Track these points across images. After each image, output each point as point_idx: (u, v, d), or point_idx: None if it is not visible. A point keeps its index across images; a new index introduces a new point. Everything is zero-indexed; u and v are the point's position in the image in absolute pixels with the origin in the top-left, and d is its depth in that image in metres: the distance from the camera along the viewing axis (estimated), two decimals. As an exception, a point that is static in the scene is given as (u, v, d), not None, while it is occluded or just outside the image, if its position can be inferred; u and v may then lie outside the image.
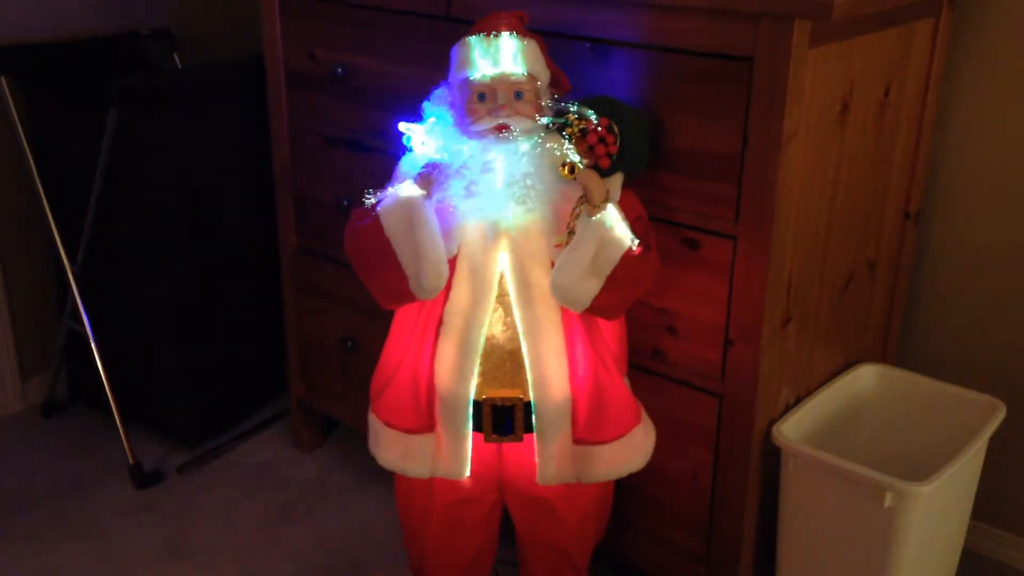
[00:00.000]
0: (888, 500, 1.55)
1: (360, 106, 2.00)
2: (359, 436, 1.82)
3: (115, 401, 2.32)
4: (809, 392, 1.79)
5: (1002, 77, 1.85)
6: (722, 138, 1.53)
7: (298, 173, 2.18)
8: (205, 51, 2.66)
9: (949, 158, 1.94)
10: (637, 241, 1.45)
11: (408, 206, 1.46)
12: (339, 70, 1.99)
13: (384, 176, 1.59)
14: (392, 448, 1.63)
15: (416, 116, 1.56)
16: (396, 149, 1.75)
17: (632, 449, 1.61)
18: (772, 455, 1.69)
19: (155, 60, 2.57)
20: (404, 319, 1.61)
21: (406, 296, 1.51)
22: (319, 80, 2.06)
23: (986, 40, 1.85)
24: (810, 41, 1.45)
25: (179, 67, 2.58)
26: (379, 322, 1.68)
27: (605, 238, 1.43)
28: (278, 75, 2.14)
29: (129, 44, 2.52)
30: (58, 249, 2.33)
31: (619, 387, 1.58)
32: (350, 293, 2.14)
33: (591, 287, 1.46)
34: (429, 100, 1.54)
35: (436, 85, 1.57)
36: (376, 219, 1.48)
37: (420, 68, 1.86)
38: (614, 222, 1.43)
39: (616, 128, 1.50)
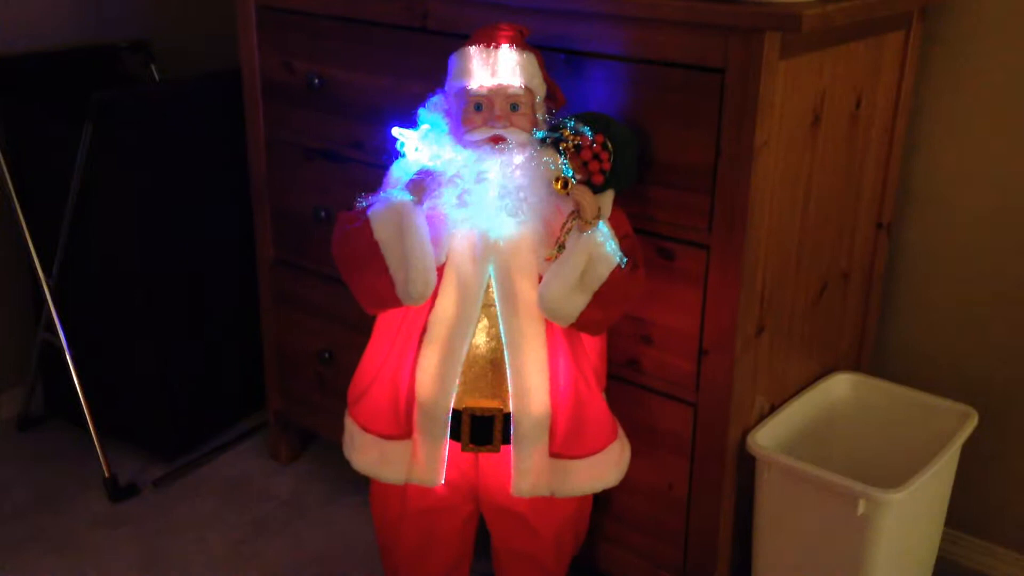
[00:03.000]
0: (862, 507, 1.56)
1: (337, 117, 2.00)
2: (336, 449, 1.82)
3: (91, 414, 2.31)
4: (784, 401, 1.80)
5: (972, 89, 1.88)
6: (695, 149, 1.54)
7: (275, 185, 2.18)
8: (183, 63, 2.66)
9: (920, 169, 1.96)
10: (626, 259, 1.46)
11: (399, 212, 1.46)
12: (316, 81, 2.00)
13: (361, 187, 1.59)
14: (368, 453, 1.63)
15: (392, 127, 1.56)
16: (373, 160, 1.76)
17: (608, 465, 1.62)
18: (747, 464, 1.70)
19: (133, 72, 2.56)
20: (387, 325, 1.61)
21: (391, 301, 1.51)
22: (296, 91, 2.06)
23: (956, 52, 1.87)
24: (781, 53, 1.47)
25: (156, 79, 2.58)
26: (356, 334, 1.68)
27: (595, 254, 1.44)
28: (255, 86, 2.14)
29: (106, 56, 2.52)
30: (33, 261, 2.32)
31: (599, 402, 1.59)
32: (327, 305, 2.14)
33: (578, 302, 1.46)
34: (424, 107, 1.54)
35: (414, 96, 1.58)
36: (366, 223, 1.48)
37: (396, 80, 1.87)
38: (605, 239, 1.44)
39: (610, 145, 1.51)
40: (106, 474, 2.28)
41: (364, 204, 1.51)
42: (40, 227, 2.32)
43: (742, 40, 1.45)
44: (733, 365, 1.60)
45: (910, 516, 1.65)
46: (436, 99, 1.55)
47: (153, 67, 2.58)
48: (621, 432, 1.67)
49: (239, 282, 2.42)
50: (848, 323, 1.95)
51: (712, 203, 1.55)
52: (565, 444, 1.58)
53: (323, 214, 2.06)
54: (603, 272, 1.45)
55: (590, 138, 1.50)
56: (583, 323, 1.50)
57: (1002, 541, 2.03)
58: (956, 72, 1.88)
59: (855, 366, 2.00)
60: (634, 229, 1.64)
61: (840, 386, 1.89)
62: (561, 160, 1.49)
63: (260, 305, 2.32)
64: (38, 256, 2.31)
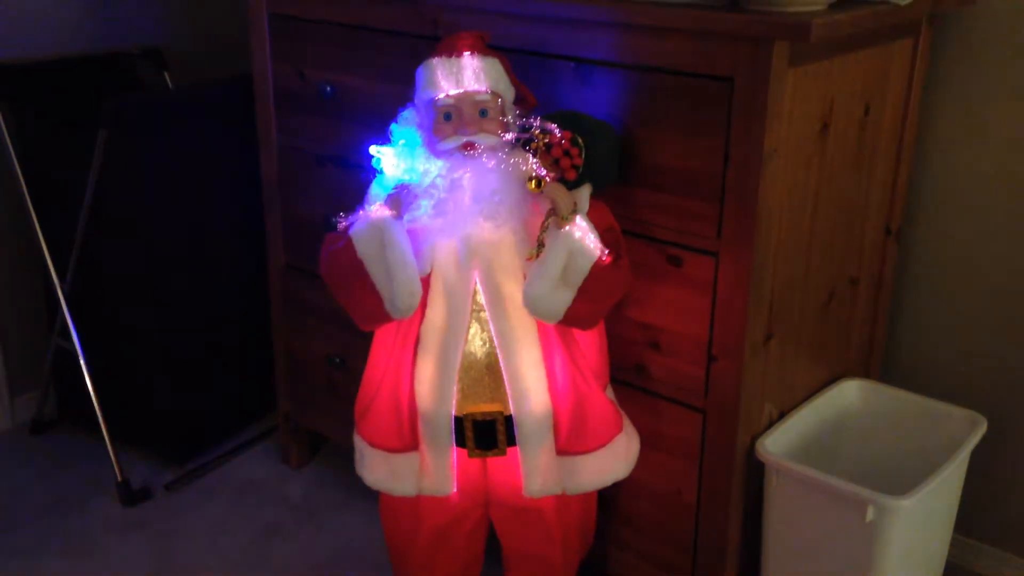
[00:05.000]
0: (870, 514, 1.57)
1: (348, 124, 2.01)
2: (347, 453, 1.83)
3: (104, 418, 2.32)
4: (792, 407, 1.80)
5: (981, 96, 1.88)
6: (704, 156, 1.55)
7: (287, 191, 2.20)
8: (195, 70, 2.68)
9: (930, 175, 1.97)
10: (607, 251, 1.47)
11: (379, 228, 1.48)
12: (327, 89, 2.01)
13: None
14: (377, 468, 1.65)
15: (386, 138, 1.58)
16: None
17: (615, 458, 1.63)
18: (756, 470, 1.71)
19: (146, 79, 2.58)
20: (383, 339, 1.62)
21: (382, 317, 1.53)
22: (308, 99, 2.07)
23: (965, 60, 1.88)
24: (789, 61, 1.47)
25: (169, 86, 2.60)
26: (366, 340, 1.69)
27: (574, 249, 1.45)
28: (267, 94, 2.15)
29: (119, 63, 2.53)
30: (48, 267, 2.34)
31: (599, 397, 1.60)
32: (338, 311, 2.13)
33: (563, 298, 1.47)
34: (396, 122, 1.56)
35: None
36: (349, 242, 1.50)
37: (407, 87, 1.87)
38: (583, 233, 1.45)
39: (580, 141, 1.52)
40: (119, 478, 2.30)
41: (346, 223, 1.52)
42: (54, 233, 2.33)
43: (751, 48, 1.46)
44: (742, 371, 1.61)
45: (919, 523, 1.65)
46: (407, 113, 1.57)
47: (166, 74, 2.60)
48: (627, 424, 1.68)
49: (250, 287, 2.43)
50: (857, 329, 1.95)
51: (721, 210, 1.56)
52: (570, 440, 1.59)
53: (334, 220, 2.07)
54: (584, 266, 1.46)
55: (558, 135, 1.51)
56: (571, 319, 1.51)
57: (1011, 548, 2.03)
58: (965, 79, 1.89)
59: (864, 372, 2.00)
60: (643, 236, 1.65)
61: (849, 393, 1.89)
62: (533, 160, 1.49)
63: (271, 310, 2.34)
64: (52, 262, 2.33)
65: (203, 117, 2.31)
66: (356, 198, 1.61)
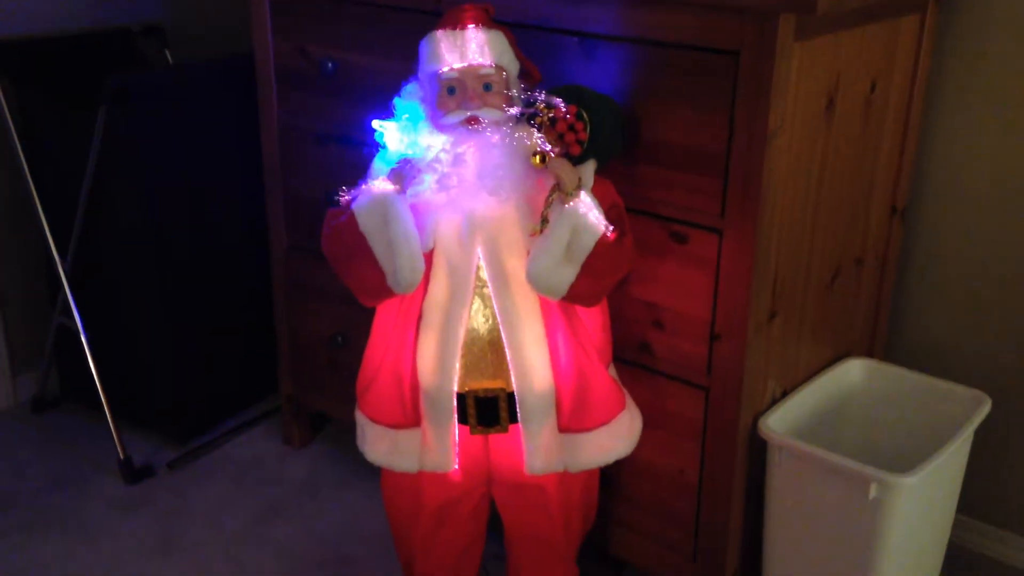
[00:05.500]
0: (873, 491, 1.56)
1: (350, 102, 2.00)
2: (349, 433, 1.83)
3: (106, 397, 2.32)
4: (796, 386, 1.79)
5: (988, 74, 1.87)
6: (708, 132, 1.54)
7: (288, 170, 2.19)
8: (197, 47, 2.67)
9: (936, 154, 1.95)
10: (611, 227, 1.46)
11: (381, 202, 1.47)
12: (329, 65, 2.00)
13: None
14: (379, 444, 1.64)
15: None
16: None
17: (618, 436, 1.63)
18: (758, 448, 1.70)
19: (147, 56, 2.57)
20: (385, 315, 1.62)
21: (384, 292, 1.52)
22: (309, 76, 2.06)
23: (972, 37, 1.86)
24: (795, 35, 1.46)
25: (171, 63, 2.59)
26: (368, 318, 1.69)
27: (579, 225, 1.44)
28: (268, 71, 2.14)
29: (121, 40, 2.53)
30: (49, 245, 2.33)
31: (601, 374, 1.59)
32: (340, 290, 2.13)
33: (567, 274, 1.47)
34: (400, 96, 1.55)
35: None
36: (351, 217, 1.49)
37: (411, 63, 1.86)
38: (587, 209, 1.44)
39: (585, 115, 1.51)
40: (121, 456, 2.30)
41: (348, 198, 1.52)
42: (55, 211, 2.33)
43: (757, 22, 1.44)
44: (745, 350, 1.60)
45: (922, 501, 1.64)
46: (411, 87, 1.55)
47: (167, 51, 2.59)
48: (630, 402, 1.67)
49: (252, 266, 2.43)
50: (861, 308, 1.94)
51: (725, 187, 1.55)
52: (572, 418, 1.58)
53: (337, 196, 2.07)
54: (588, 242, 1.45)
55: (563, 110, 1.50)
56: (575, 295, 1.50)
57: (1014, 527, 2.02)
58: (972, 56, 1.87)
59: (868, 351, 1.99)
60: (647, 212, 1.64)
61: (853, 371, 1.88)
62: (537, 134, 1.48)
63: (273, 290, 2.33)
64: (54, 240, 2.33)
65: (205, 95, 2.29)
66: (359, 177, 1.60)
